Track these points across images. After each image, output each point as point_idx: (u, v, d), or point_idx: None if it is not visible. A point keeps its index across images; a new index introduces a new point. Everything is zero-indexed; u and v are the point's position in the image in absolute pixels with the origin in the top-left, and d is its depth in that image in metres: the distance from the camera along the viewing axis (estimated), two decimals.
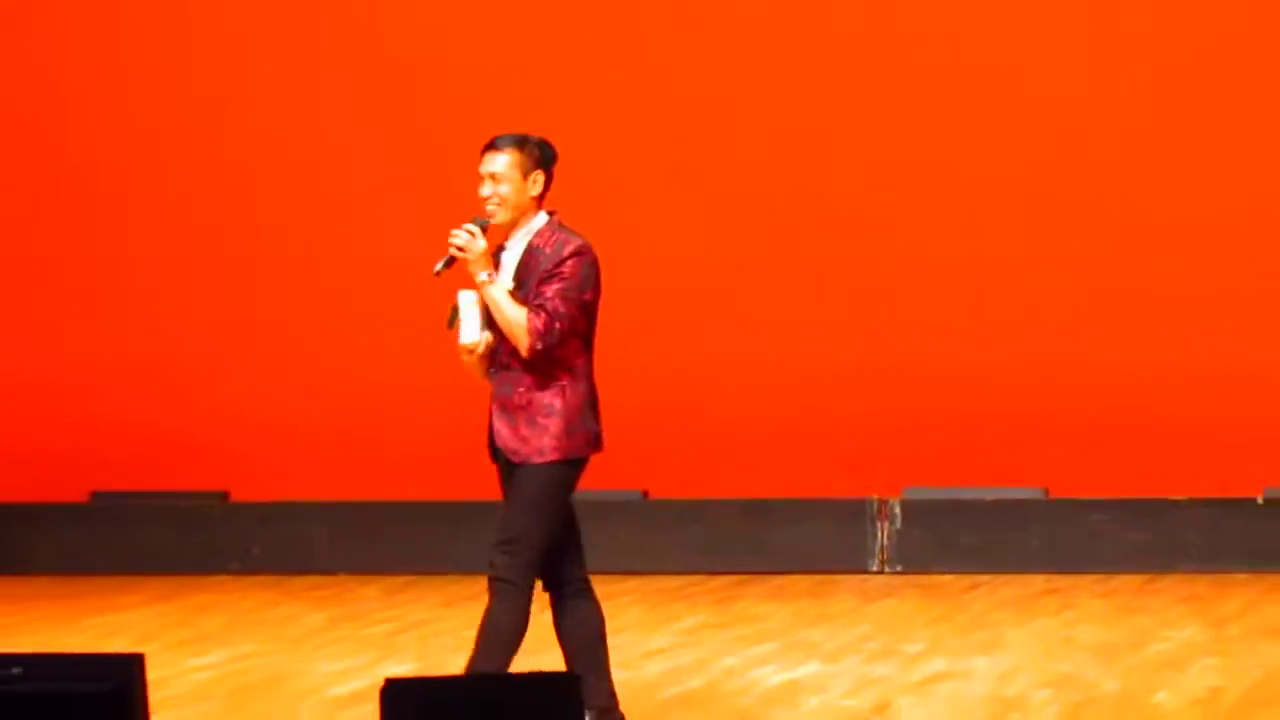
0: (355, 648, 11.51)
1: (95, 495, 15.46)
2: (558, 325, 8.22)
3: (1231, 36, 15.61)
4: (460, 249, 8.30)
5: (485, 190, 8.30)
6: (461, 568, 13.29)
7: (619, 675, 8.99)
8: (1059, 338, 14.94)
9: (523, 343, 8.17)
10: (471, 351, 8.09)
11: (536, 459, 8.27)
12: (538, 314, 8.28)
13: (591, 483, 10.13)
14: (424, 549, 14.52)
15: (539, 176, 8.34)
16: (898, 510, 13.84)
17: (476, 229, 8.30)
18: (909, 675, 10.31)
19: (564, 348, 8.32)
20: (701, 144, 15.97)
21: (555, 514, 8.40)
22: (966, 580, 13.21)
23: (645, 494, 14.57)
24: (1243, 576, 13.14)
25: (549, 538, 8.34)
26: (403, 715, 5.56)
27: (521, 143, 8.47)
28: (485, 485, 10.16)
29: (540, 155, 8.44)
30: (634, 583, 13.61)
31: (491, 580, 8.16)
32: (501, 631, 8.15)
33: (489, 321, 8.28)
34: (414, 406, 15.38)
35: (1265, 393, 14.65)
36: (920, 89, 16.10)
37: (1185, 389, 14.82)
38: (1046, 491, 14.21)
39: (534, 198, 8.35)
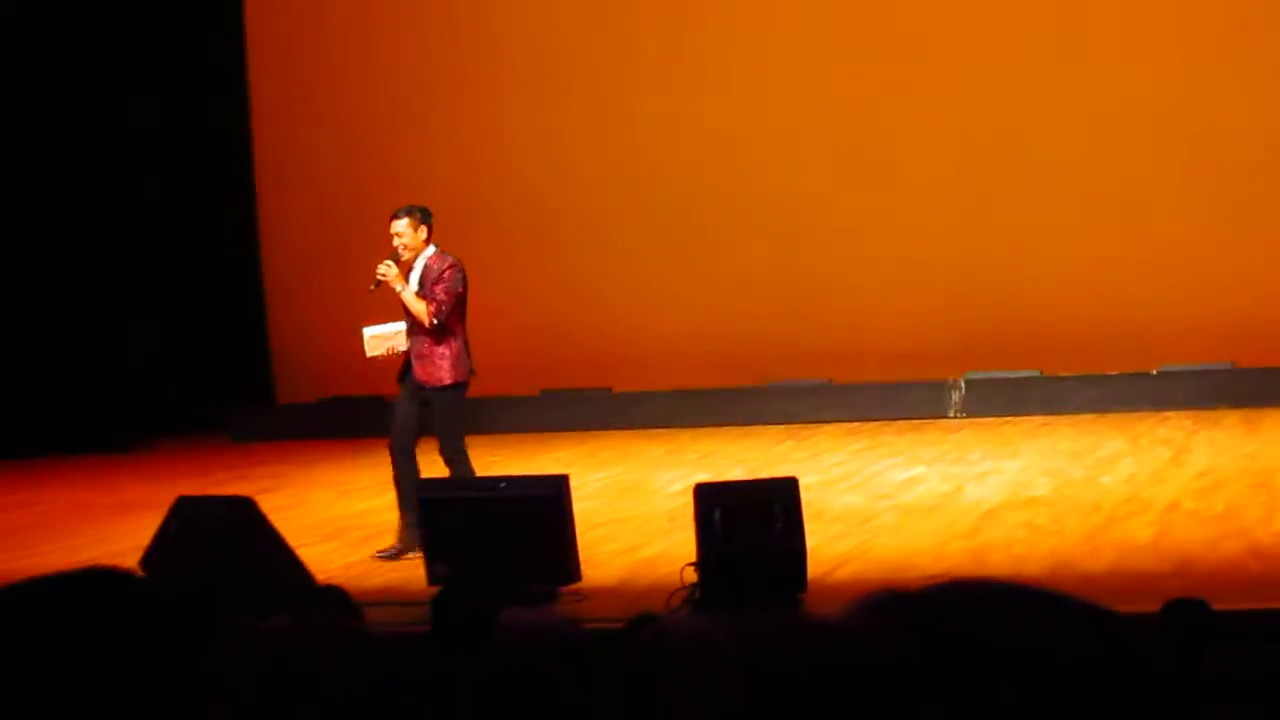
0: (682, 468, 13.67)
1: (544, 391, 17.01)
2: (443, 308, 11.15)
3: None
4: (383, 275, 11.21)
5: (396, 242, 11.30)
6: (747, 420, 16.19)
7: (816, 479, 12.50)
8: (1073, 273, 16.50)
9: (424, 320, 11.14)
10: (403, 335, 11.32)
11: (436, 384, 11.26)
12: (431, 303, 11.13)
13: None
14: (717, 412, 16.42)
15: (424, 229, 11.35)
16: (963, 384, 16.34)
17: (391, 263, 11.22)
18: (972, 470, 13.51)
19: (448, 320, 11.24)
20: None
21: (458, 414, 11.50)
22: (1001, 421, 15.76)
23: (832, 381, 16.86)
24: (1149, 414, 15.52)
25: (461, 425, 11.44)
26: (705, 503, 9.29)
27: (412, 211, 11.43)
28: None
29: (424, 216, 11.43)
30: (826, 429, 15.77)
31: (450, 463, 11.26)
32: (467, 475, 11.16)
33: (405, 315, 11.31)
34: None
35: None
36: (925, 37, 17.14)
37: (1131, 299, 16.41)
38: (1041, 371, 16.37)
39: (424, 240, 11.34)
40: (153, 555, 9.82)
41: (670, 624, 4.44)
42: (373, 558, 10.91)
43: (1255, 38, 16.21)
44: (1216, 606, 6.96)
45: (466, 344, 11.36)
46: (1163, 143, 16.32)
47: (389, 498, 11.53)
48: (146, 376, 17.84)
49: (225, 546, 9.55)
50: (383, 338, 11.30)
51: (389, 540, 11.17)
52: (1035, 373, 16.22)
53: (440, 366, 11.19)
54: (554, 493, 9.95)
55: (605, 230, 17.24)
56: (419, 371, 11.17)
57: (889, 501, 12.31)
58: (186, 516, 9.92)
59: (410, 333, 11.22)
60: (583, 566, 9.80)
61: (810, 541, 9.46)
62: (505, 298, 16.99)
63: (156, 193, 18.85)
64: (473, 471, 11.13)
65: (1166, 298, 16.01)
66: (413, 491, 10.78)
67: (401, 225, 11.27)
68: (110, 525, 12.56)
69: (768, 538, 9.21)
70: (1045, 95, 16.64)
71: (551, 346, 16.89)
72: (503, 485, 10.51)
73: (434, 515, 10.10)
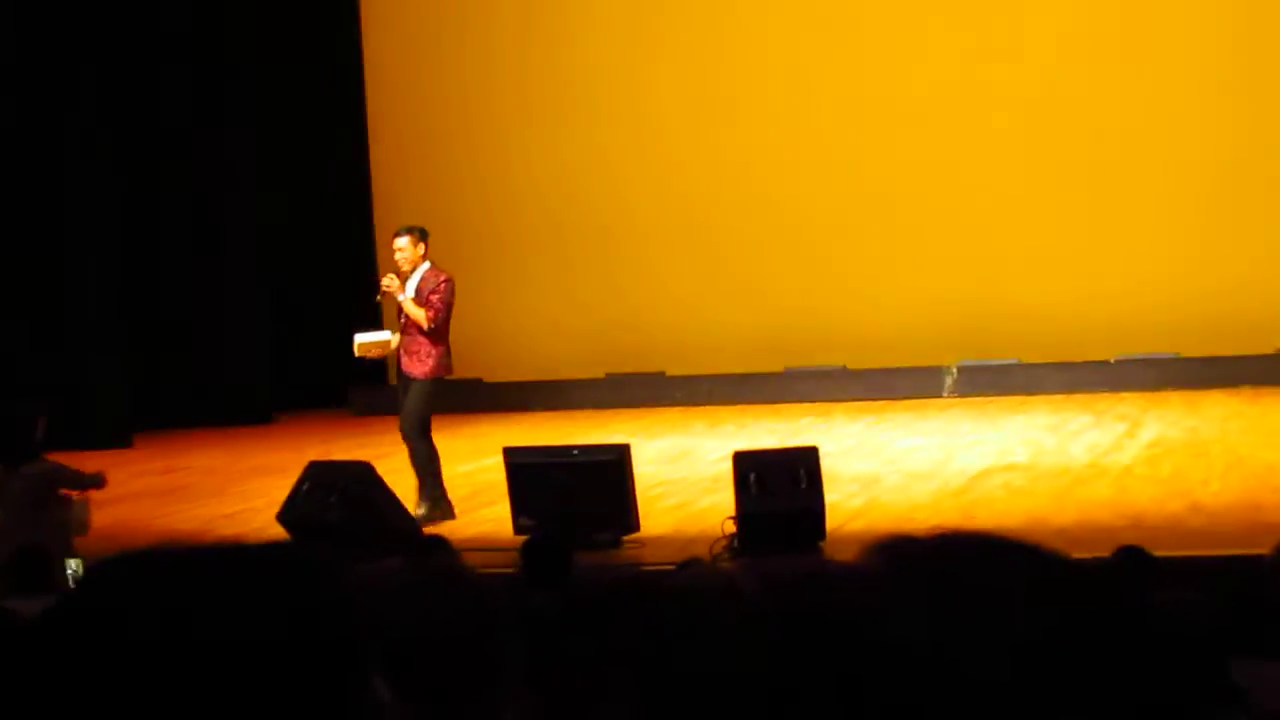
0: (722, 439, 13.25)
1: (607, 374, 16.69)
2: (439, 315, 10.90)
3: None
4: (387, 287, 11.08)
5: (397, 255, 11.09)
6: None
7: (833, 448, 12.30)
8: (1054, 270, 16.14)
9: (423, 324, 10.86)
10: (388, 345, 11.15)
11: (419, 376, 11.02)
12: (429, 309, 10.86)
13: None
14: (749, 393, 16.23)
15: (422, 245, 11.06)
16: (955, 370, 16.03)
17: (394, 276, 11.05)
18: (962, 442, 13.38)
19: (438, 325, 10.95)
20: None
21: (428, 403, 11.10)
22: (986, 401, 15.55)
23: (846, 367, 16.40)
24: (1108, 395, 15.35)
25: (427, 411, 11.08)
26: (742, 468, 9.48)
27: (412, 230, 11.16)
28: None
29: (421, 235, 11.11)
30: (841, 407, 15.52)
31: (406, 438, 11.03)
32: (432, 462, 10.96)
33: (399, 322, 11.08)
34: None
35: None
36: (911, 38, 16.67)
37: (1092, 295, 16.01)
38: (1020, 359, 16.08)
39: (421, 255, 11.06)
40: (287, 510, 9.99)
41: (709, 568, 4.57)
42: None
43: (1208, 57, 15.90)
44: (1163, 554, 7.12)
45: (449, 348, 11.18)
46: (1121, 165, 15.98)
47: (482, 461, 11.61)
48: (281, 358, 17.71)
49: (348, 503, 9.64)
50: (369, 344, 11.08)
51: (480, 503, 11.16)
52: (1015, 360, 16.08)
53: (425, 363, 11.02)
54: (618, 458, 10.15)
55: (658, 243, 16.97)
56: (405, 364, 11.06)
57: (893, 467, 12.32)
58: (315, 477, 10.09)
59: (405, 332, 11.07)
60: (641, 519, 9.88)
61: (828, 499, 9.61)
62: (577, 295, 17.03)
63: (284, 202, 18.22)
64: (429, 448, 11.03)
65: (1123, 297, 15.82)
66: (424, 468, 10.90)
67: (404, 242, 11.10)
68: (250, 486, 12.57)
69: (793, 496, 9.33)
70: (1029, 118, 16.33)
71: (615, 337, 16.72)
72: (575, 452, 10.70)
73: (519, 476, 10.19)
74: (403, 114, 17.98)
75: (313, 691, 1.39)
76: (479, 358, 16.37)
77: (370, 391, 16.81)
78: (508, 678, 3.03)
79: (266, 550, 1.49)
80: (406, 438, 11.08)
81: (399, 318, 11.07)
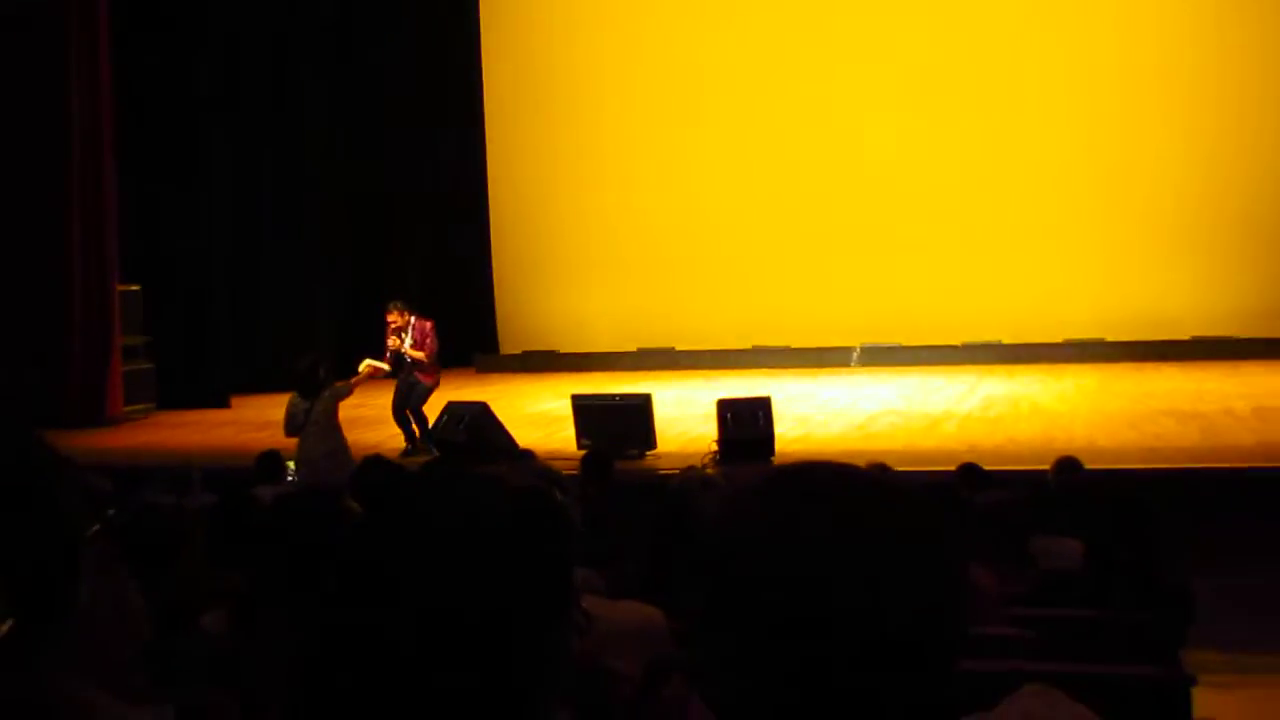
0: (711, 390, 11.83)
1: (639, 348, 15.69)
2: (432, 352, 10.42)
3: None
4: (395, 347, 10.35)
5: (392, 323, 10.39)
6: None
7: (781, 398, 11.88)
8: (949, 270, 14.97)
9: (424, 359, 10.40)
10: (380, 369, 9.86)
11: (423, 383, 10.45)
12: (425, 350, 10.39)
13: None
14: (727, 364, 15.10)
15: (407, 308, 10.48)
16: (859, 348, 15.24)
17: (407, 343, 10.36)
18: (863, 394, 12.87)
19: (430, 356, 10.44)
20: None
21: (425, 398, 10.43)
22: (881, 369, 14.75)
23: (790, 346, 15.44)
24: (968, 365, 14.43)
25: (425, 402, 10.35)
26: (722, 409, 9.45)
27: (396, 303, 10.52)
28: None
29: (405, 303, 10.56)
30: (786, 371, 14.59)
31: (411, 412, 10.33)
32: (423, 428, 10.26)
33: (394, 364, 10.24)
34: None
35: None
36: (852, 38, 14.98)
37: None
38: (901, 342, 15.13)
39: (408, 314, 10.46)
40: (433, 432, 10.04)
41: (699, 472, 4.64)
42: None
43: (1114, 72, 14.56)
44: (988, 468, 7.14)
45: (439, 369, 10.76)
46: (1018, 178, 14.79)
47: (559, 403, 11.30)
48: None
49: (472, 428, 9.66)
50: (371, 366, 9.81)
51: (555, 429, 10.92)
52: (898, 344, 15.35)
53: (431, 377, 10.55)
54: (644, 402, 10.15)
55: (665, 256, 15.90)
56: (420, 376, 10.52)
57: (819, 411, 12.02)
58: (450, 411, 10.14)
59: (411, 360, 10.49)
60: (658, 441, 9.84)
61: (777, 431, 9.51)
62: (618, 294, 16.00)
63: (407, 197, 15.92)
64: (426, 423, 10.39)
65: (983, 292, 15.04)
66: (407, 425, 10.44)
67: (394, 314, 10.54)
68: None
69: (754, 429, 9.29)
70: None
71: (643, 322, 15.98)
72: (616, 398, 10.67)
73: (581, 412, 10.24)
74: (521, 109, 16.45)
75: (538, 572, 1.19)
76: (556, 336, 16.19)
77: (487, 359, 16.30)
78: (573, 535, 3.19)
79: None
80: (414, 416, 10.52)
81: (395, 359, 10.51)
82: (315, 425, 8.74)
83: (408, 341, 10.41)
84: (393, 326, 10.42)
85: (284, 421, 8.90)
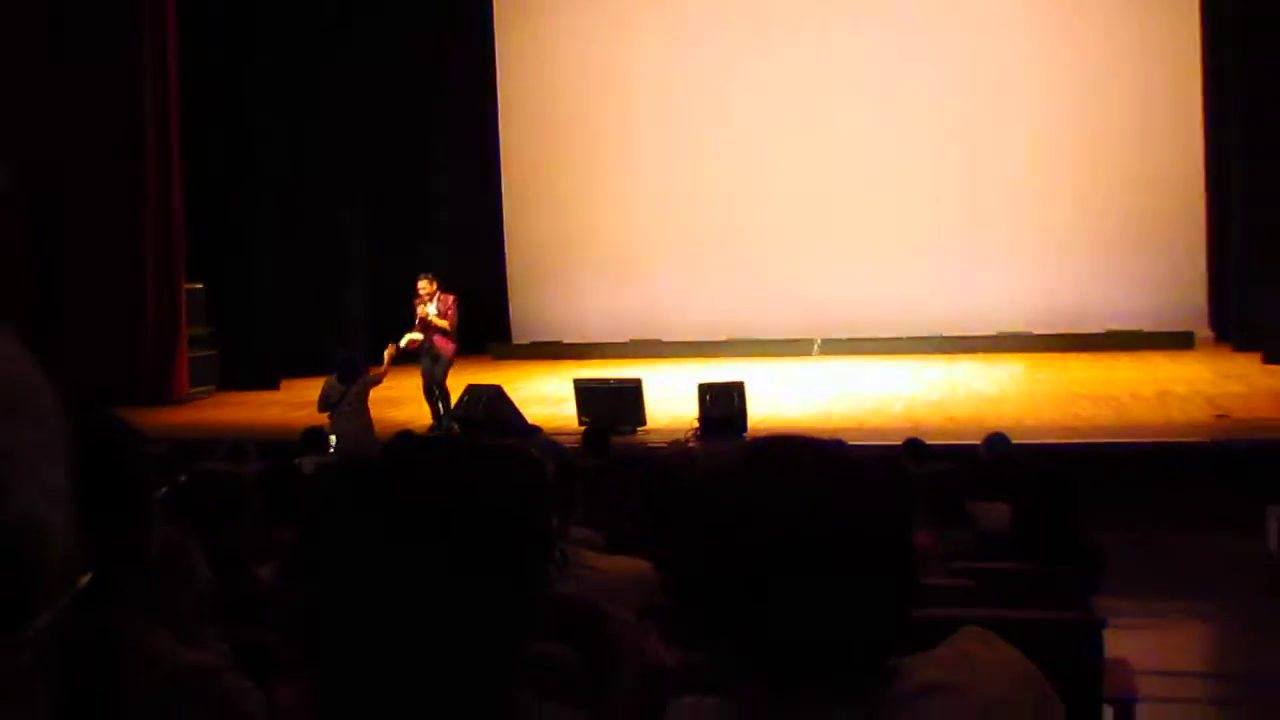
0: (694, 377, 11.48)
1: (631, 339, 15.31)
2: (454, 323, 10.07)
3: None
4: (425, 315, 10.03)
5: (422, 290, 10.11)
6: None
7: (753, 382, 11.41)
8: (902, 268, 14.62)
9: (447, 328, 10.06)
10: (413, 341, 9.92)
11: (445, 355, 10.17)
12: (448, 320, 10.03)
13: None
14: (715, 353, 14.66)
15: (436, 281, 10.17)
16: (819, 340, 14.84)
17: (432, 311, 10.03)
18: (824, 380, 12.48)
19: (451, 326, 10.12)
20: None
21: (449, 368, 10.17)
22: (838, 359, 14.26)
23: (760, 337, 14.94)
24: (912, 355, 13.92)
25: (448, 373, 10.10)
26: (703, 392, 10.20)
27: (427, 273, 10.24)
28: None
29: (435, 275, 10.24)
30: (758, 360, 14.04)
31: (437, 388, 10.07)
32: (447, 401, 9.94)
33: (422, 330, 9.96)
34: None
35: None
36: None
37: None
38: (856, 335, 14.78)
39: (436, 287, 10.17)
40: (455, 410, 10.03)
41: (682, 446, 4.61)
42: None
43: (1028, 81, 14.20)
44: (931, 443, 7.19)
45: (456, 337, 10.36)
46: (958, 196, 14.52)
47: (563, 384, 11.15)
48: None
49: (489, 407, 9.67)
50: (393, 349, 9.69)
51: (559, 408, 10.86)
52: (853, 336, 14.99)
53: (450, 347, 10.24)
54: (636, 384, 10.17)
55: (650, 259, 15.70)
56: (440, 346, 10.17)
57: (784, 393, 11.89)
58: (470, 392, 10.15)
59: (435, 330, 10.15)
60: (648, 418, 9.82)
61: (749, 410, 9.53)
62: (616, 295, 15.67)
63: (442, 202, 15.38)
64: (449, 402, 10.07)
65: (925, 299, 14.79)
66: (435, 403, 10.19)
67: (425, 281, 10.26)
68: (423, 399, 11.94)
69: (730, 408, 9.29)
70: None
71: (635, 317, 15.72)
72: (612, 381, 10.66)
73: (582, 393, 10.23)
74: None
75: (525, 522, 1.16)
76: (561, 328, 16.01)
77: (502, 347, 16.04)
78: (576, 501, 3.20)
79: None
80: (440, 387, 10.22)
81: (422, 326, 10.18)
82: (348, 406, 8.80)
83: (433, 309, 10.09)
84: (423, 294, 10.11)
85: (318, 399, 8.95)
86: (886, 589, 1.14)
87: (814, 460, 1.18)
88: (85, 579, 0.47)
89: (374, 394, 9.06)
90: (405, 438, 5.37)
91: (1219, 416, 9.01)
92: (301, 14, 13.75)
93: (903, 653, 1.16)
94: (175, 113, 12.22)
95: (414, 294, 10.26)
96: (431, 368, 10.18)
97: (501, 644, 1.08)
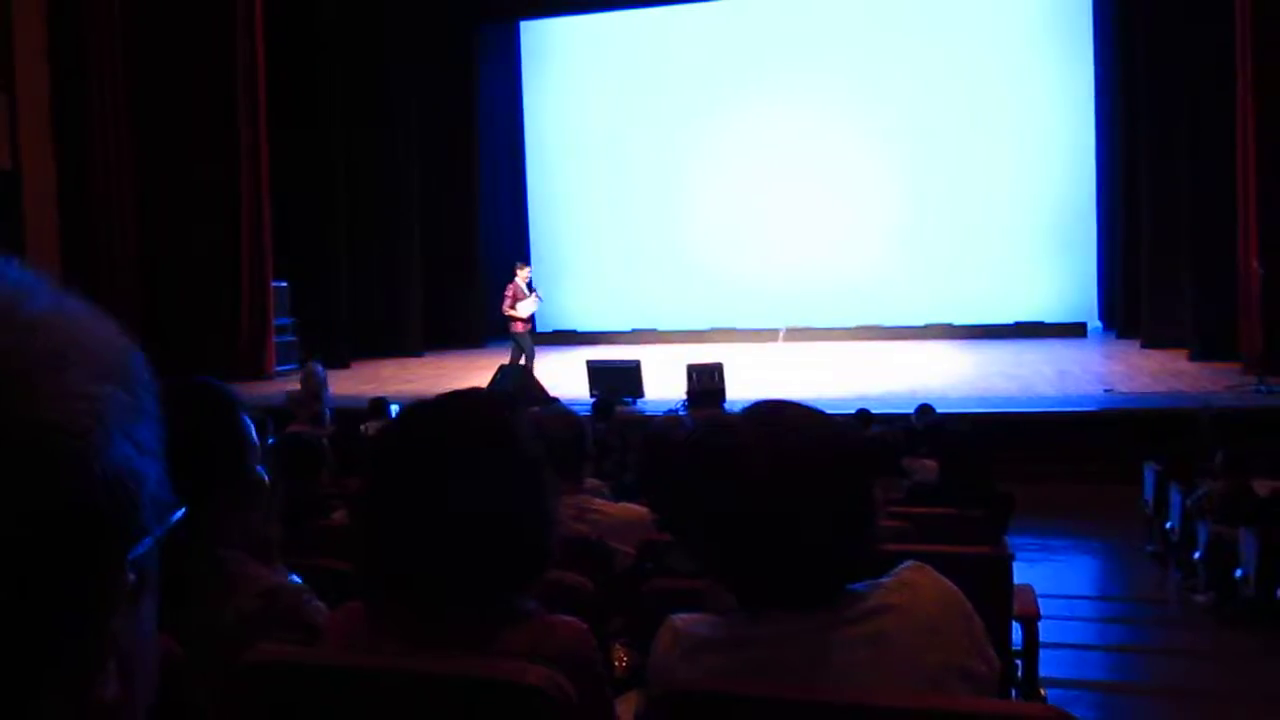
0: (683, 359, 10.75)
1: (633, 329, 15.13)
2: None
3: None
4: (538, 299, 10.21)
5: (529, 276, 10.10)
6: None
7: (731, 362, 10.84)
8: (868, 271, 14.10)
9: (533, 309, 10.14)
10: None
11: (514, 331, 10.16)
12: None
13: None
14: (701, 340, 14.33)
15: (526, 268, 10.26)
16: (785, 327, 14.13)
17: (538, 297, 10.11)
18: (792, 363, 11.81)
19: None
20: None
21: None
22: (801, 344, 13.83)
23: (735, 326, 14.68)
24: (877, 340, 13.74)
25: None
26: (690, 370, 9.93)
27: (520, 261, 10.35)
28: None
29: (522, 259, 10.21)
30: (735, 345, 13.79)
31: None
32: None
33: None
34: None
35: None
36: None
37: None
38: (816, 323, 14.46)
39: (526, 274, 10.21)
40: (491, 385, 9.94)
41: (674, 416, 4.57)
42: None
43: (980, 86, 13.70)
44: (875, 411, 7.06)
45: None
46: (891, 208, 14.04)
47: (578, 366, 10.78)
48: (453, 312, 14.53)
49: (517, 381, 9.54)
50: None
51: (575, 383, 10.49)
52: (811, 325, 14.67)
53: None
54: (636, 364, 9.94)
55: (644, 260, 15.38)
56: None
57: (756, 371, 11.51)
58: (502, 370, 10.04)
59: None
60: (646, 392, 9.62)
61: (728, 385, 9.27)
62: (617, 290, 15.24)
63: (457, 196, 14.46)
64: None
65: (869, 295, 14.47)
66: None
67: (524, 269, 10.36)
68: (471, 377, 11.55)
69: (712, 383, 9.13)
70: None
71: (636, 310, 15.36)
72: (617, 362, 10.46)
73: (593, 371, 10.12)
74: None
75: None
76: (576, 318, 15.71)
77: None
78: (589, 457, 3.17)
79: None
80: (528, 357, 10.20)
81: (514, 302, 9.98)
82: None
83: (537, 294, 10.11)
84: (525, 278, 10.05)
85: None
86: (852, 525, 1.13)
87: (796, 414, 1.18)
88: (178, 515, 0.47)
89: (438, 366, 8.48)
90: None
91: (1106, 390, 8.95)
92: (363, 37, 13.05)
93: (860, 579, 1.16)
94: (264, 122, 11.51)
95: (510, 279, 10.19)
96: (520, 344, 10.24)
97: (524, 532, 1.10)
